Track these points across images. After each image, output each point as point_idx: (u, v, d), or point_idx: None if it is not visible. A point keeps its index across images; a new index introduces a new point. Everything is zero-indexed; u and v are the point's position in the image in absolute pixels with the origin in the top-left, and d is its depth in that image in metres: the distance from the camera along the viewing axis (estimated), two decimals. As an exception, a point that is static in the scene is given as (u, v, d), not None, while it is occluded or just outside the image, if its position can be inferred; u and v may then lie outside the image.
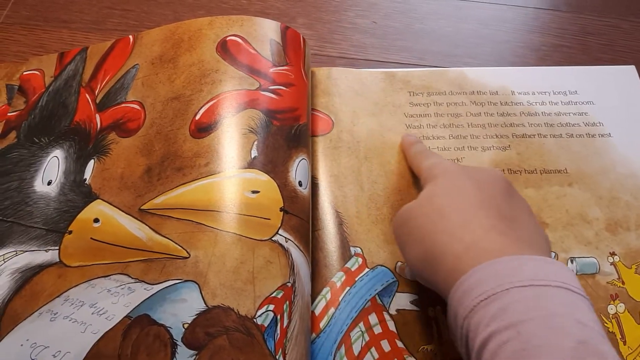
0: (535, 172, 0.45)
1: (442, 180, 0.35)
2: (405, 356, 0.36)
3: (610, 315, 0.39)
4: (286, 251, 0.36)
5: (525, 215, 0.33)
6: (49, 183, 0.41)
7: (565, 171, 0.45)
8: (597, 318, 0.26)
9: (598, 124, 0.48)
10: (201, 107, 0.40)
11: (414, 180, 0.44)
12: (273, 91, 0.41)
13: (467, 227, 0.31)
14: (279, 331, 0.33)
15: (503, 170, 0.45)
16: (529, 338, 0.24)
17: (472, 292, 0.27)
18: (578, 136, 0.47)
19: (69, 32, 0.53)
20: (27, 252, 0.38)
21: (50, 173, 0.42)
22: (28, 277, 0.37)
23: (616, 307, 0.39)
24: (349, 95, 0.49)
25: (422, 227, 0.33)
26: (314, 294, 0.38)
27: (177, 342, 0.32)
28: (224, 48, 0.42)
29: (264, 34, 0.44)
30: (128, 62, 0.45)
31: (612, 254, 0.41)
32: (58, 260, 0.37)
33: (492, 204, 0.32)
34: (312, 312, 0.38)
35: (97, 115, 0.44)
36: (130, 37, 0.47)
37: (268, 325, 0.33)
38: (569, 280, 0.27)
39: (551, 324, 0.25)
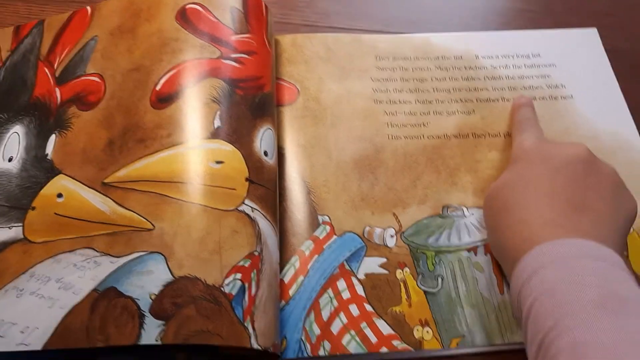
0: (499, 135, 0.45)
1: (518, 166, 0.37)
2: (373, 319, 0.37)
3: None
4: (253, 221, 0.36)
5: (598, 199, 0.34)
6: (10, 159, 0.40)
7: (528, 134, 0.45)
8: (626, 275, 0.29)
9: (560, 87, 0.48)
10: (161, 78, 0.39)
11: (382, 145, 0.44)
12: (235, 59, 0.41)
13: (527, 222, 0.33)
14: (247, 299, 0.33)
15: (467, 134, 0.45)
16: (557, 297, 0.28)
17: (521, 275, 0.31)
18: (541, 99, 0.48)
19: (24, 5, 0.51)
20: (-11, 230, 0.37)
21: (10, 149, 0.41)
22: (-8, 255, 0.36)
23: None
24: (315, 61, 0.48)
25: (491, 219, 0.37)
26: (283, 263, 0.39)
27: (145, 313, 0.32)
28: (184, 16, 0.42)
29: (225, 1, 0.43)
30: (87, 34, 0.44)
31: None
32: (22, 236, 0.37)
33: (562, 192, 0.34)
34: (281, 280, 0.38)
35: (57, 89, 0.43)
36: (88, 8, 0.46)
37: (236, 294, 0.33)
38: (601, 253, 0.30)
39: (575, 281, 0.28)
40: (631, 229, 0.41)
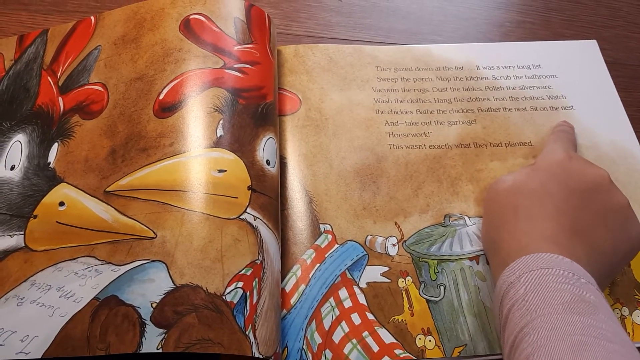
0: (500, 145, 0.46)
1: (540, 175, 0.38)
2: (375, 327, 0.37)
3: None
4: (255, 229, 0.36)
5: (601, 230, 0.35)
6: (12, 168, 0.40)
7: (529, 144, 0.46)
8: (593, 288, 0.30)
9: (561, 97, 0.49)
10: (165, 87, 0.39)
11: (383, 155, 0.45)
12: (238, 69, 0.41)
13: (528, 233, 0.34)
14: (248, 307, 0.33)
15: (469, 144, 0.45)
16: (531, 301, 0.29)
17: (505, 282, 0.32)
18: (542, 109, 0.48)
19: (28, 15, 0.52)
20: (-10, 238, 0.37)
21: (13, 158, 0.41)
22: (-7, 263, 0.36)
23: None
24: (317, 71, 0.49)
25: (497, 215, 0.38)
26: (285, 272, 0.39)
27: (146, 322, 0.32)
28: (187, 27, 0.42)
29: (228, 12, 0.43)
30: (90, 44, 0.45)
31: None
32: (23, 245, 0.37)
33: (568, 213, 0.35)
34: (283, 289, 0.38)
35: (60, 98, 0.43)
36: (92, 18, 0.46)
37: (237, 302, 0.33)
38: (575, 269, 0.31)
39: (547, 288, 0.29)
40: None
